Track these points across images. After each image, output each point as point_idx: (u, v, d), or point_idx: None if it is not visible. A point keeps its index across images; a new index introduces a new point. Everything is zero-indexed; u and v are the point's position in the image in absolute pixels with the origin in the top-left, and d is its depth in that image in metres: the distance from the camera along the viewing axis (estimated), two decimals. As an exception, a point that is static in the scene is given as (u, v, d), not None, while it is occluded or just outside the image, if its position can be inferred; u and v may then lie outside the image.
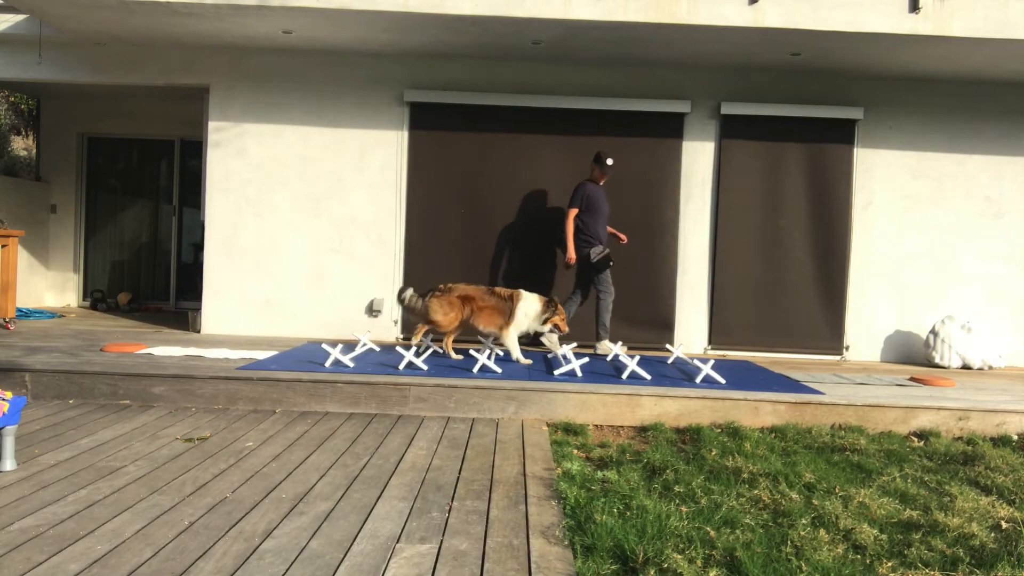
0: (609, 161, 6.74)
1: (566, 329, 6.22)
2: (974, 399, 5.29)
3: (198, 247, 9.63)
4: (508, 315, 6.03)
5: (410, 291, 6.27)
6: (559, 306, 6.15)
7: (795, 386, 5.48)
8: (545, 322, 6.09)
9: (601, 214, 6.74)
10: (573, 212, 6.72)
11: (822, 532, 3.09)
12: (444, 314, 6.04)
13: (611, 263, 6.66)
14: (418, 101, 7.37)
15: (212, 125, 7.44)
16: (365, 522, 3.03)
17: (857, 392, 5.36)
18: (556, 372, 5.56)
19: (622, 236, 7.05)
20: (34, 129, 10.73)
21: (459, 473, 3.74)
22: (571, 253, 6.70)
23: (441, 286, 6.16)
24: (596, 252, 6.62)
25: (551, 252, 7.44)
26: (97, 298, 9.61)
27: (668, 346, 7.00)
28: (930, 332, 7.15)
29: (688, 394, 5.03)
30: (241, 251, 7.45)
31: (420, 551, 2.76)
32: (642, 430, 4.90)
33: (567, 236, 6.71)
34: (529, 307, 6.07)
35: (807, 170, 7.40)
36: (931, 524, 3.26)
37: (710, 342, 7.46)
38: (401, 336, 7.47)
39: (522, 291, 6.16)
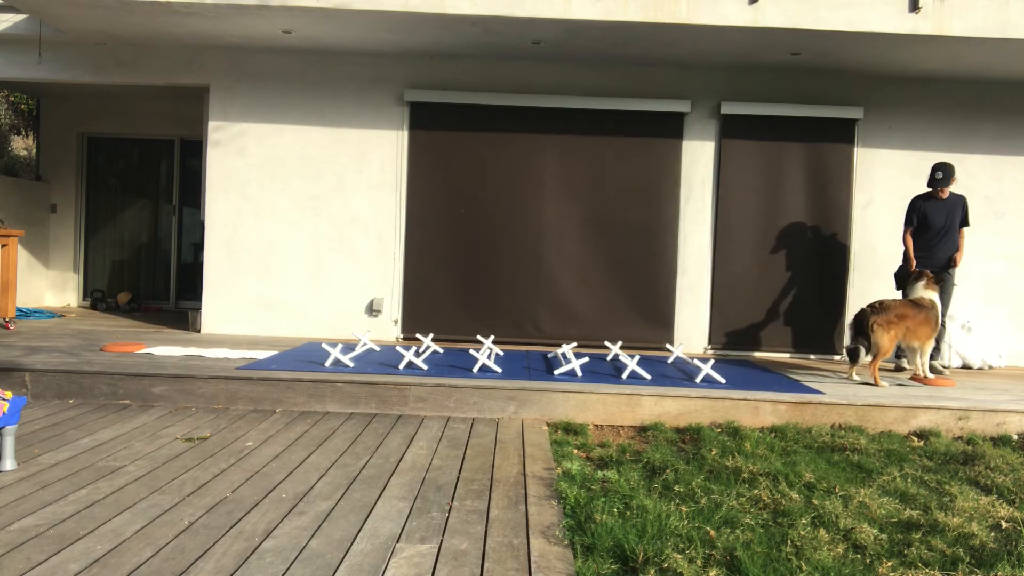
0: (939, 175, 6.32)
1: None
2: (974, 399, 5.29)
3: (198, 247, 9.63)
4: (935, 323, 5.74)
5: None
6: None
7: (795, 386, 5.48)
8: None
9: (930, 231, 6.46)
10: (907, 231, 6.53)
11: (822, 532, 3.09)
12: (890, 339, 5.65)
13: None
14: (418, 101, 7.36)
15: (212, 125, 7.45)
16: (365, 522, 3.03)
17: (857, 392, 5.36)
18: (556, 372, 5.56)
19: (956, 256, 6.55)
20: (34, 129, 10.73)
21: (459, 473, 3.74)
22: (912, 266, 6.45)
23: (873, 304, 5.80)
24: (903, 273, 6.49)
25: (552, 251, 7.44)
26: (97, 298, 9.61)
27: (668, 346, 7.02)
28: (930, 332, 7.16)
29: (688, 394, 5.03)
30: (241, 251, 7.45)
31: (420, 551, 2.76)
32: (642, 430, 4.90)
33: (908, 253, 6.50)
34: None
35: (807, 170, 7.40)
36: (931, 524, 3.26)
37: (710, 342, 7.46)
38: (401, 336, 7.47)
39: (933, 294, 5.82)
